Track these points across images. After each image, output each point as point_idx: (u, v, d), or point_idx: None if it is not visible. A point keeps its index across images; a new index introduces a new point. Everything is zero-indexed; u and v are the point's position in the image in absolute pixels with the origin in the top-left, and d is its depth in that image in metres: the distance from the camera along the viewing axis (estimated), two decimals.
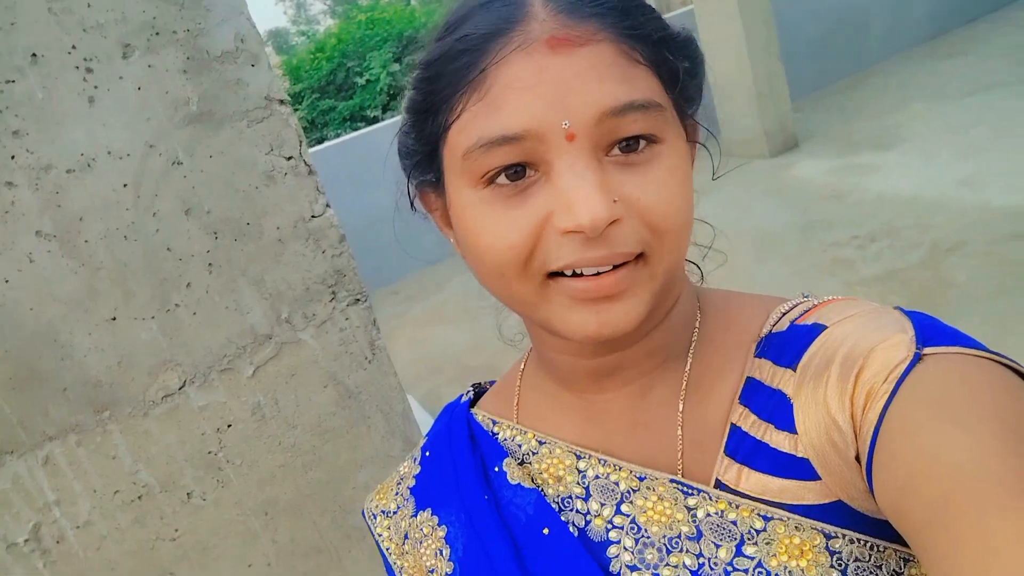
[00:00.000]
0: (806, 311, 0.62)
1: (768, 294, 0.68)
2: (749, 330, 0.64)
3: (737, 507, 0.57)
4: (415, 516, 0.74)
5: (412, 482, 0.77)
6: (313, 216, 1.17)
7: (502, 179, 0.54)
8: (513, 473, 0.68)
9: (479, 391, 0.82)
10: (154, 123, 1.05)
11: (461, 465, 0.71)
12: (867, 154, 6.11)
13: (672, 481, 0.60)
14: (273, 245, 1.15)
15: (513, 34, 0.53)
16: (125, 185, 1.04)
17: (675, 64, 0.57)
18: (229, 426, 1.15)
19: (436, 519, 0.72)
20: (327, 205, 1.18)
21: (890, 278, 4.16)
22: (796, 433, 0.56)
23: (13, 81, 0.96)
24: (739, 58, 6.59)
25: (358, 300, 1.22)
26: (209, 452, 1.14)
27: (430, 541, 0.72)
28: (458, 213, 0.58)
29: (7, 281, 0.99)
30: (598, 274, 0.53)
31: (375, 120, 10.41)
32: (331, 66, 11.40)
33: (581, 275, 0.54)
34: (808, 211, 5.44)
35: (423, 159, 0.61)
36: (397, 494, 0.78)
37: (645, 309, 0.55)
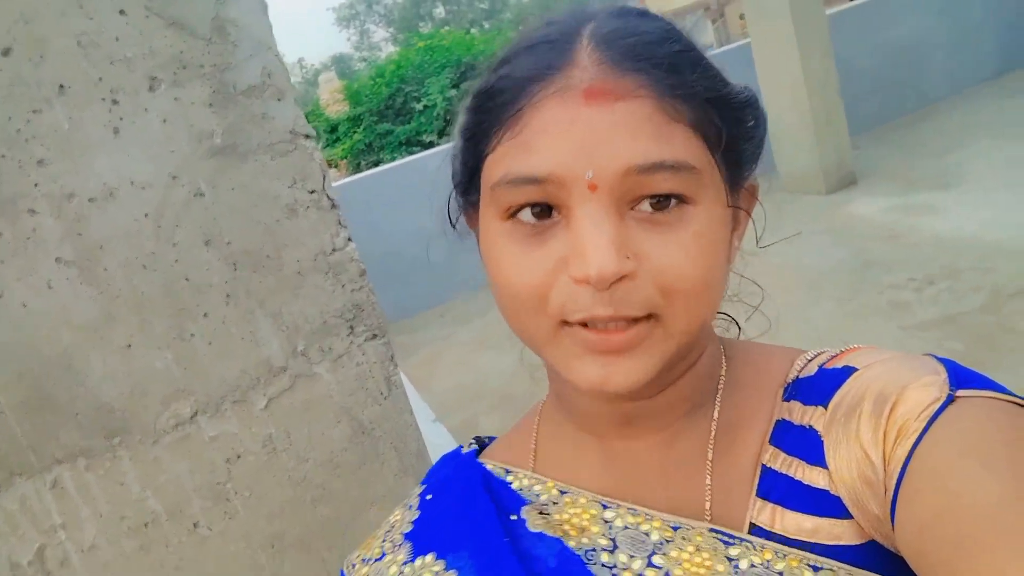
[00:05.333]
0: (832, 356, 0.62)
1: (789, 347, 0.68)
2: (776, 376, 0.64)
3: (784, 556, 0.55)
4: (411, 562, 0.69)
5: (408, 527, 0.72)
6: (334, 250, 1.17)
7: (526, 215, 0.55)
8: (534, 521, 0.65)
9: (482, 443, 0.79)
10: (178, 155, 1.06)
11: (476, 507, 0.68)
12: (928, 193, 5.95)
13: (712, 530, 0.58)
14: (292, 278, 1.15)
15: (554, 79, 0.54)
16: (147, 215, 1.05)
17: (722, 126, 0.56)
18: (239, 457, 1.15)
19: (443, 563, 0.67)
20: (348, 239, 1.18)
21: (948, 323, 4.02)
22: (827, 469, 0.56)
23: (40, 111, 0.98)
24: (796, 92, 6.49)
25: (376, 335, 1.21)
26: (218, 483, 1.14)
27: None
28: (484, 241, 0.60)
29: (25, 306, 1.00)
30: (607, 328, 0.53)
31: (431, 144, 10.59)
32: (390, 91, 11.65)
33: (592, 327, 0.54)
34: (865, 251, 5.30)
35: (467, 181, 0.63)
36: (385, 540, 0.73)
37: (653, 370, 0.55)
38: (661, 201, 0.53)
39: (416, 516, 0.73)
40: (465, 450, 0.77)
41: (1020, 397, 0.52)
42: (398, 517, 0.75)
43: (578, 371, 0.55)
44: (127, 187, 1.04)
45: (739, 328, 0.75)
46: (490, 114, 0.57)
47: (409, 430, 1.25)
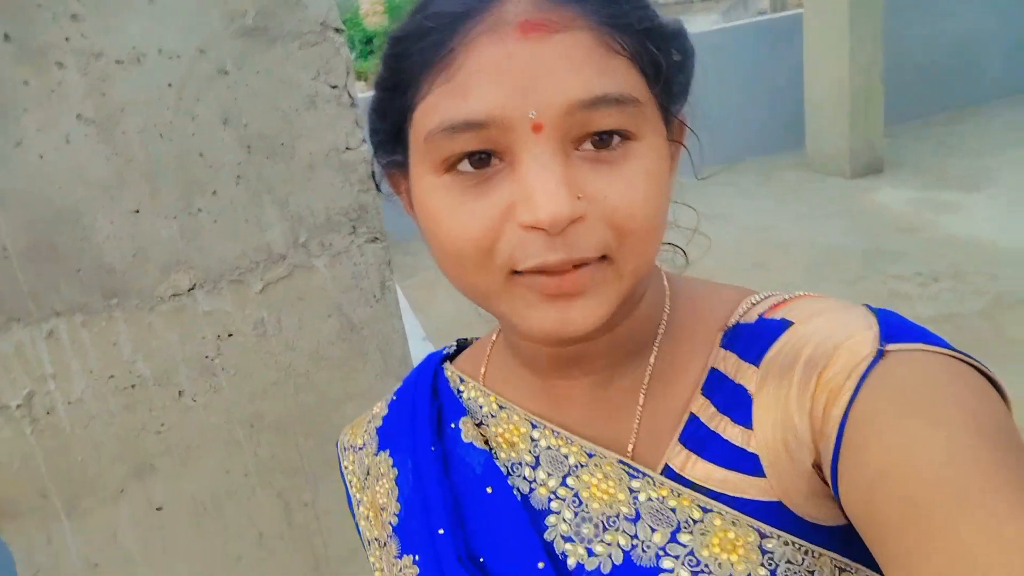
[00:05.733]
0: (775, 305, 0.61)
1: (742, 286, 0.67)
2: (716, 319, 0.63)
3: (679, 495, 0.58)
4: (376, 455, 0.77)
5: (379, 423, 0.79)
6: (347, 148, 1.18)
7: (465, 166, 0.52)
8: (468, 432, 0.69)
9: (462, 345, 0.82)
10: (208, 29, 1.06)
11: (418, 416, 0.73)
12: (952, 192, 5.90)
13: (620, 462, 0.61)
14: (303, 170, 1.16)
15: (485, 15, 0.51)
16: (170, 85, 1.06)
17: (659, 57, 0.54)
18: (230, 335, 1.18)
19: (391, 460, 0.75)
20: (363, 140, 1.19)
21: (945, 321, 4.04)
22: (751, 429, 0.57)
23: None
24: (839, 71, 6.39)
25: (376, 239, 1.23)
26: (206, 356, 1.17)
27: (384, 481, 0.75)
28: (419, 198, 0.57)
29: (42, 157, 1.02)
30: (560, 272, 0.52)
31: None
32: None
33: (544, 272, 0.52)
34: (876, 239, 5.29)
35: (388, 138, 0.60)
36: (365, 432, 0.80)
37: (608, 311, 0.54)
38: (604, 139, 0.51)
39: (385, 413, 0.79)
40: (446, 351, 0.81)
41: (953, 348, 0.52)
42: (377, 410, 0.81)
43: (534, 319, 0.54)
44: (154, 54, 1.05)
45: (686, 257, 0.73)
46: (417, 58, 0.53)
47: (396, 335, 1.28)
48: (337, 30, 1.14)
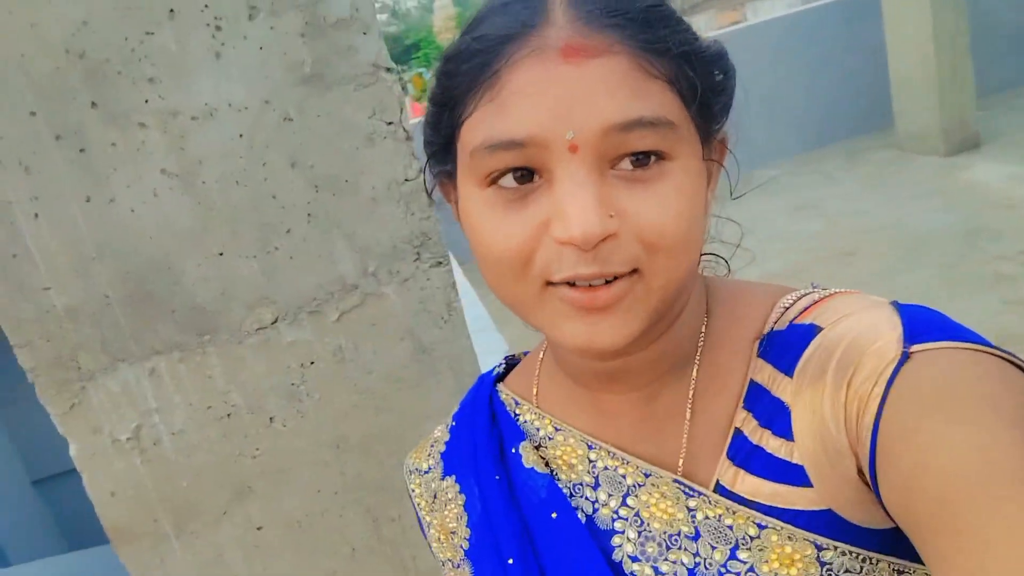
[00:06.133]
0: (805, 308, 0.63)
1: (778, 284, 0.68)
2: (752, 326, 0.65)
3: (734, 513, 0.60)
4: (443, 480, 0.79)
5: (443, 448, 0.82)
6: (406, 180, 1.25)
7: (508, 181, 0.55)
8: (528, 457, 0.72)
9: (511, 363, 0.84)
10: (271, 81, 1.15)
11: (479, 443, 0.75)
12: None
13: (675, 481, 0.63)
14: (367, 203, 1.23)
15: (528, 38, 0.53)
16: (241, 135, 1.15)
17: (695, 80, 0.56)
18: (312, 363, 1.26)
19: (458, 487, 0.77)
20: (420, 171, 1.25)
21: None
22: (793, 440, 0.58)
23: (152, 33, 1.08)
24: (923, 46, 6.14)
25: (440, 263, 1.29)
26: (292, 384, 1.26)
27: (453, 506, 0.77)
28: (464, 209, 0.60)
29: (133, 211, 1.13)
30: (592, 286, 0.54)
31: None
32: None
33: (577, 285, 0.55)
34: (976, 218, 5.05)
35: (440, 150, 0.63)
36: (430, 456, 0.83)
37: (639, 327, 0.56)
38: (641, 159, 0.53)
39: (448, 439, 0.82)
40: (496, 371, 0.83)
41: (982, 342, 0.52)
42: (439, 434, 0.84)
43: (565, 332, 0.56)
44: (225, 108, 1.14)
45: (728, 267, 0.76)
46: (465, 78, 0.56)
47: (466, 353, 1.34)
48: (388, 69, 1.21)
